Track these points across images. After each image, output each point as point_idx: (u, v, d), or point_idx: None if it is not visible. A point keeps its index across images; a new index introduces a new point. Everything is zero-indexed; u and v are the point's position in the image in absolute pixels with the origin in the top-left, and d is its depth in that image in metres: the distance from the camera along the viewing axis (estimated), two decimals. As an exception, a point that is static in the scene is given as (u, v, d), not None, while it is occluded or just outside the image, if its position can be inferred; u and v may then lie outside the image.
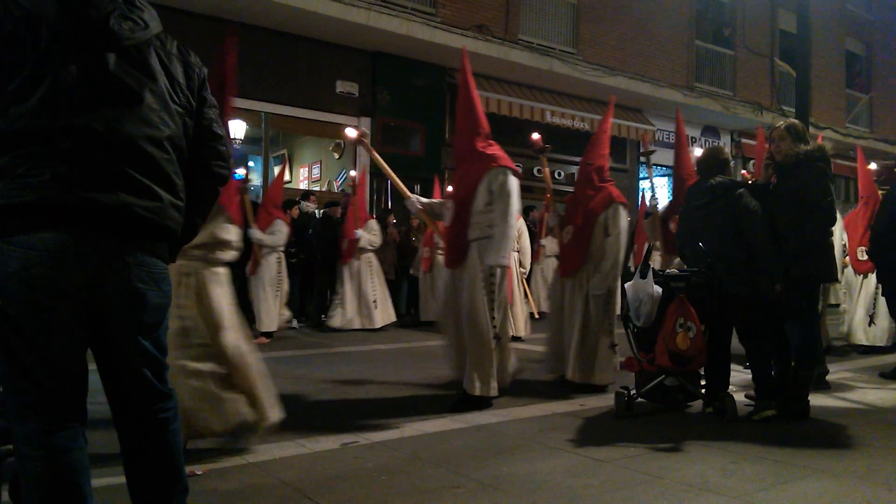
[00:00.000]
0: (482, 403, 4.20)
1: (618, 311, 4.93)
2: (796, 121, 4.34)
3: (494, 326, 4.24)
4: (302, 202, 9.40)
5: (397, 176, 4.78)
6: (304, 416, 4.06)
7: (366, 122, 10.75)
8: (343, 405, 4.29)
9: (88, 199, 1.66)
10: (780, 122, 4.26)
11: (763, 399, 4.07)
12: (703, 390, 4.12)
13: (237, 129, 10.16)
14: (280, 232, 7.42)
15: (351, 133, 4.90)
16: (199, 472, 2.87)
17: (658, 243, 5.76)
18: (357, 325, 8.47)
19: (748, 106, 14.86)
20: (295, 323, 8.66)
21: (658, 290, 3.93)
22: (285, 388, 4.85)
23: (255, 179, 11.99)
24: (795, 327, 4.09)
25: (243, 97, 9.40)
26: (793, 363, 4.08)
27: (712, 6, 15.46)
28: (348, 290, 8.53)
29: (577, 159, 12.54)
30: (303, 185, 12.38)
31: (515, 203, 4.24)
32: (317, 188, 12.06)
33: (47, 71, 1.66)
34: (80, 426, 1.77)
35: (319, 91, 10.26)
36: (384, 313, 8.71)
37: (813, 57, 8.62)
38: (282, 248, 7.57)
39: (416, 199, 4.76)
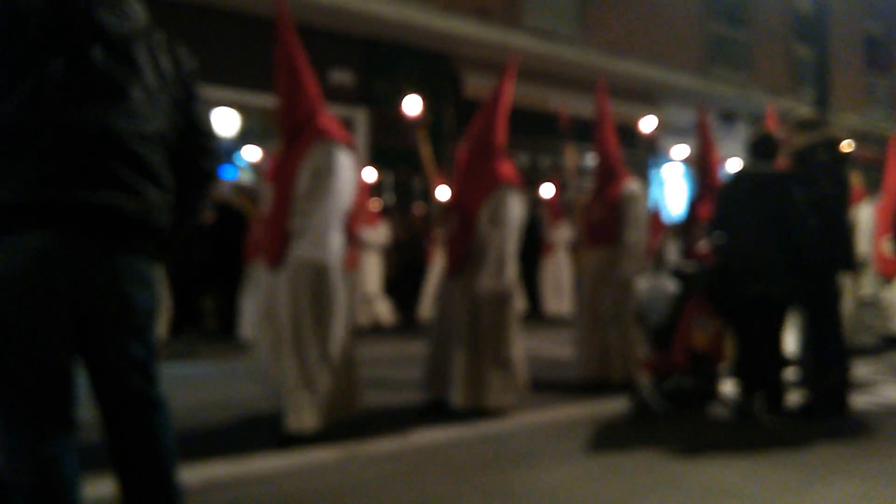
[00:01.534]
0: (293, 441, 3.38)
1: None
2: (805, 113, 4.42)
3: (324, 342, 3.41)
4: None
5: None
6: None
7: (361, 113, 10.54)
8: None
9: (75, 199, 1.63)
10: (794, 115, 4.49)
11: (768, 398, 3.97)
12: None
13: (228, 121, 10.02)
14: None
15: None
16: (194, 483, 2.77)
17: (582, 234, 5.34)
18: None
19: (764, 90, 14.60)
20: None
21: (674, 287, 3.80)
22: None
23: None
24: (816, 321, 4.01)
25: (232, 88, 9.24)
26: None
27: (726, -13, 15.18)
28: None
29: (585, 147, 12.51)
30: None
31: (341, 182, 3.41)
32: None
33: (32, 66, 1.63)
34: (70, 434, 1.72)
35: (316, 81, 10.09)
36: None
37: (831, 39, 8.40)
38: None
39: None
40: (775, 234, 3.85)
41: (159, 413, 1.83)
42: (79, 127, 1.65)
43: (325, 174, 3.38)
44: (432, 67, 10.97)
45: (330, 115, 3.71)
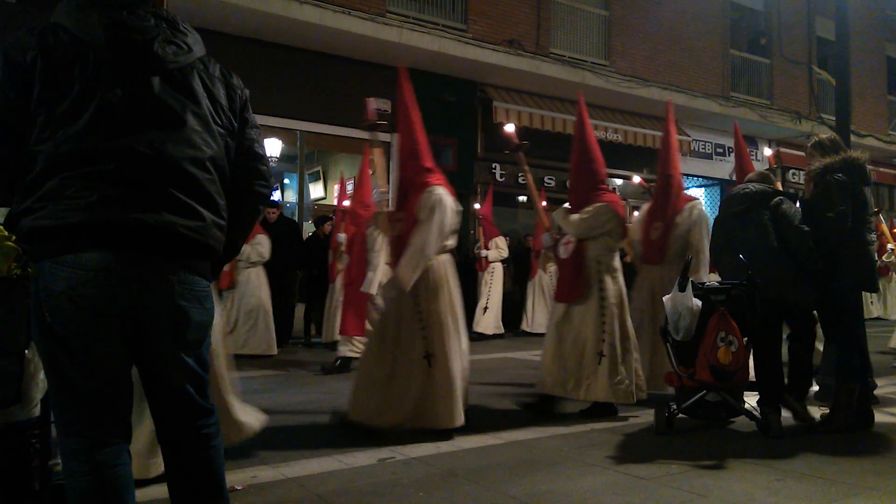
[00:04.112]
0: None
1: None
2: (824, 136, 4.47)
3: None
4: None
5: None
6: (341, 430, 4.07)
7: (398, 139, 10.84)
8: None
9: (133, 220, 1.69)
10: (813, 138, 4.41)
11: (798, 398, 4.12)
12: (747, 405, 4.03)
13: (273, 147, 10.34)
14: None
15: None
16: (238, 488, 2.90)
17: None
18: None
19: (786, 115, 14.59)
20: None
21: (698, 303, 3.86)
22: (323, 403, 4.90)
23: (291, 197, 12.16)
24: (836, 336, 4.09)
25: (279, 116, 9.58)
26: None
27: (747, 15, 15.27)
28: None
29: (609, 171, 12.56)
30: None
31: None
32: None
33: (94, 94, 1.70)
34: (124, 442, 1.79)
35: (353, 108, 10.38)
36: None
37: (853, 64, 8.45)
38: None
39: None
40: (779, 245, 3.99)
41: (209, 420, 1.90)
42: (137, 152, 1.71)
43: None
44: (464, 94, 11.26)
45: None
